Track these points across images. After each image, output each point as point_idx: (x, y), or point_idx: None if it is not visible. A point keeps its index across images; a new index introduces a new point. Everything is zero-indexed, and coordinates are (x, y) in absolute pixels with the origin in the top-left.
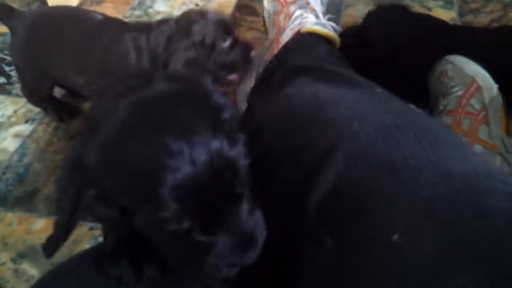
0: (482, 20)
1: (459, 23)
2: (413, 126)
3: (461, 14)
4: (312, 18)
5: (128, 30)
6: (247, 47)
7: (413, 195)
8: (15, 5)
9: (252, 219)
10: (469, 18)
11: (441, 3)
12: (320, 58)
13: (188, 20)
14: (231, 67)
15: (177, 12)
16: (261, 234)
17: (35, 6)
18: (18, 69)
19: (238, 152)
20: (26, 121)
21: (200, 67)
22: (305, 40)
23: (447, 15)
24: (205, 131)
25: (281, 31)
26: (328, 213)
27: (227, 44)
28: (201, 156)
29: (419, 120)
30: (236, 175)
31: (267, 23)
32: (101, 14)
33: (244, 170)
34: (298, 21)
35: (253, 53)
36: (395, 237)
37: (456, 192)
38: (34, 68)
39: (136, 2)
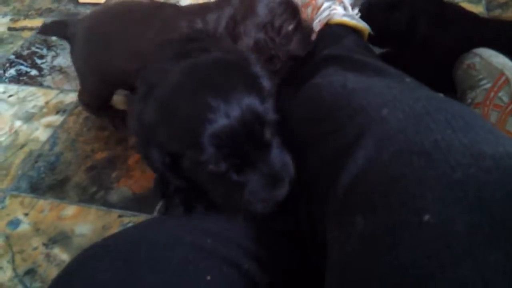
0: (511, 14)
1: (486, 17)
2: (443, 111)
3: (488, 9)
4: (340, 10)
5: (182, 14)
6: (309, 31)
7: (444, 176)
8: (46, 2)
9: (280, 161)
10: (497, 12)
11: None
12: (349, 48)
13: (251, 1)
14: (291, 52)
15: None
16: (288, 174)
17: (65, 1)
18: (80, 76)
19: (266, 108)
20: (57, 112)
21: (267, 49)
22: (333, 32)
23: (475, 9)
24: (239, 92)
25: (309, 23)
26: (358, 194)
27: (291, 27)
28: (235, 111)
29: (449, 105)
30: (263, 126)
31: None
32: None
33: (273, 123)
34: (326, 12)
35: (313, 37)
36: (427, 217)
37: (488, 173)
38: (95, 72)
39: None
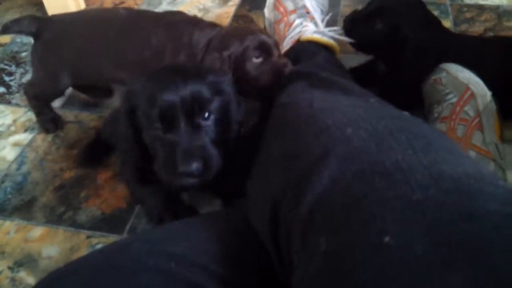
0: (477, 29)
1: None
2: (405, 131)
3: (456, 23)
4: (311, 27)
5: (167, 25)
6: (282, 64)
7: (404, 197)
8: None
9: (199, 144)
10: (464, 27)
11: (436, 12)
12: (318, 66)
13: (229, 32)
14: (258, 82)
15: None
16: (210, 161)
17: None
18: (35, 69)
19: (211, 99)
20: (25, 130)
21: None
22: (304, 48)
23: (443, 24)
24: (188, 80)
25: (281, 39)
26: (321, 214)
27: (258, 60)
28: (181, 91)
29: (412, 125)
30: (203, 110)
31: (268, 32)
32: (130, 9)
33: (214, 113)
34: (298, 29)
35: (286, 71)
36: (387, 238)
37: (447, 194)
38: (57, 68)
39: None
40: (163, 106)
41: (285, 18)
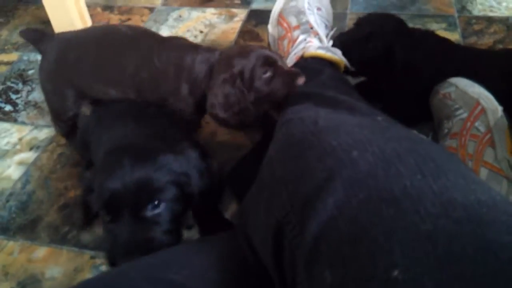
0: (486, 41)
1: (462, 44)
2: (414, 154)
3: (464, 36)
4: (315, 42)
5: (171, 48)
6: (293, 75)
7: (413, 228)
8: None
9: (149, 240)
10: (472, 39)
11: (444, 25)
12: (323, 84)
13: (230, 53)
14: (273, 96)
15: None
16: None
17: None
18: (45, 91)
19: (160, 185)
20: (31, 149)
21: (238, 101)
22: (308, 65)
23: (451, 36)
24: (134, 166)
25: (285, 56)
26: (326, 245)
27: (267, 75)
28: (127, 178)
29: (420, 147)
30: (149, 200)
31: (272, 48)
32: (133, 27)
33: (166, 201)
34: (301, 45)
35: (300, 81)
36: (395, 273)
37: (458, 224)
38: (63, 87)
39: None
40: (105, 196)
41: (289, 34)
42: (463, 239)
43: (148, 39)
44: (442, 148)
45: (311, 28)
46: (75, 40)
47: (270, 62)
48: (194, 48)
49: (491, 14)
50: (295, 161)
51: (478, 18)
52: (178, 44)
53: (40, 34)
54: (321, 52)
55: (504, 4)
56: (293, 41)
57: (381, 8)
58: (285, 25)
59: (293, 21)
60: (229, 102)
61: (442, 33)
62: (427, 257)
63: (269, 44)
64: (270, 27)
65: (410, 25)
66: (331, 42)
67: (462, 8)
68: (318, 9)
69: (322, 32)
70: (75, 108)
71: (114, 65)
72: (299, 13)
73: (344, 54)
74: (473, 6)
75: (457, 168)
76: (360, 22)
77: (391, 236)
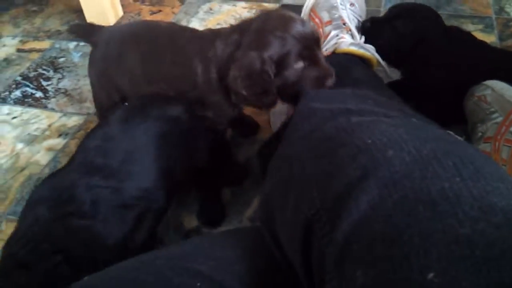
0: None
1: (498, 47)
2: (452, 156)
3: (501, 38)
4: (348, 39)
5: (197, 38)
6: (326, 73)
7: (451, 231)
8: (56, 24)
9: None
10: (510, 42)
11: (480, 26)
12: (354, 80)
13: (267, 26)
14: (298, 87)
15: None
16: None
17: (75, 23)
18: (92, 84)
19: None
20: (60, 135)
21: (263, 81)
22: (340, 61)
23: (487, 38)
24: None
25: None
26: (358, 245)
27: (299, 66)
28: None
29: (459, 149)
30: None
31: None
32: (174, 24)
33: None
34: (333, 41)
35: (329, 81)
36: (431, 275)
37: (498, 229)
38: (107, 82)
39: (174, 21)
40: None
41: (321, 30)
42: (503, 244)
43: (182, 34)
44: (479, 151)
45: (344, 24)
46: (119, 36)
47: (307, 52)
48: (214, 35)
49: None
50: (327, 158)
51: None
52: (205, 34)
53: (89, 27)
54: (354, 49)
55: None
56: (325, 36)
57: None
58: (317, 20)
59: (325, 16)
60: (252, 80)
61: (478, 35)
62: (465, 261)
63: None
64: None
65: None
66: (363, 38)
67: (500, 10)
68: (351, 4)
69: (354, 28)
70: (120, 102)
71: (153, 62)
72: (332, 8)
73: (372, 36)
74: (511, 8)
75: (495, 172)
76: (394, 7)
77: (428, 238)
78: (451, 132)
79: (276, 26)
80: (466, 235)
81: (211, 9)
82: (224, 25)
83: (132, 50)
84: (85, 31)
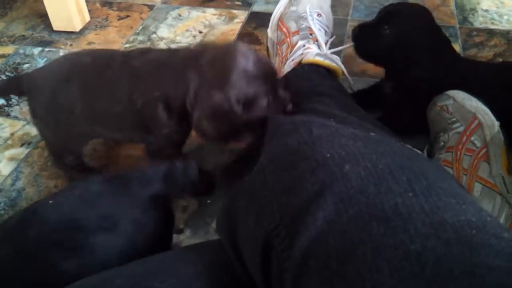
0: (486, 54)
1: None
2: (406, 170)
3: (465, 48)
4: (314, 49)
5: (154, 68)
6: (285, 100)
7: (402, 247)
8: (20, 29)
9: None
10: (473, 51)
11: None
12: (318, 92)
13: (226, 63)
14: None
15: (180, 39)
16: None
17: (40, 29)
18: (43, 136)
19: None
20: (22, 144)
21: (229, 123)
22: (304, 72)
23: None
24: None
25: (283, 61)
26: (314, 261)
27: (265, 102)
28: None
29: (414, 163)
30: None
31: (271, 53)
32: (122, 52)
33: None
34: (300, 51)
35: (289, 107)
36: None
37: (447, 246)
38: (60, 130)
39: (140, 27)
40: None
41: (288, 39)
42: (452, 261)
43: (115, 63)
44: (435, 165)
45: (311, 34)
46: (54, 76)
47: (270, 87)
48: (164, 65)
49: (492, 26)
50: (287, 171)
51: (479, 30)
52: (147, 63)
53: (13, 81)
54: (319, 59)
55: (505, 17)
56: (291, 46)
57: None
58: (284, 30)
59: (293, 26)
60: (220, 121)
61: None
62: (416, 278)
63: (267, 48)
64: (269, 32)
65: None
66: (330, 50)
67: (464, 20)
68: (319, 15)
69: (321, 38)
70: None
71: (90, 100)
72: (299, 18)
73: (360, 41)
74: (474, 18)
75: (449, 186)
76: (382, 9)
77: (380, 254)
78: (409, 146)
79: (238, 62)
80: (417, 251)
81: (180, 15)
82: (193, 32)
83: (72, 88)
84: (10, 84)
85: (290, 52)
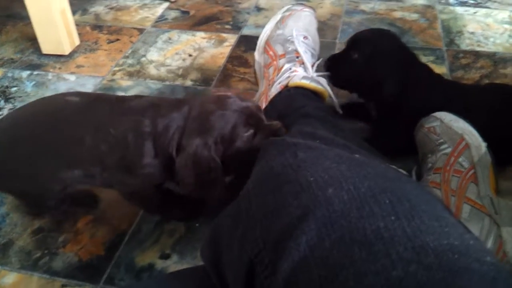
0: (472, 76)
1: (450, 78)
2: (389, 193)
3: (451, 70)
4: (300, 72)
5: (125, 112)
6: (275, 130)
7: (384, 272)
8: (9, 52)
9: None
10: (459, 73)
11: (432, 58)
12: (304, 115)
13: (206, 109)
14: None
15: (169, 62)
16: None
17: (29, 52)
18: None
19: None
20: None
21: (208, 171)
22: (290, 94)
23: (438, 70)
24: None
25: (270, 84)
26: (297, 286)
27: (249, 133)
28: None
29: (397, 185)
30: None
31: (258, 75)
32: (81, 94)
33: None
34: (286, 74)
35: (282, 133)
36: None
37: (429, 271)
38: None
39: (130, 51)
40: None
41: (275, 62)
42: (433, 287)
43: (103, 105)
44: (419, 187)
45: (297, 57)
46: (21, 124)
47: (253, 119)
48: (155, 107)
49: (478, 48)
50: (271, 196)
51: (465, 52)
52: (136, 105)
53: None
54: (305, 82)
55: (491, 39)
56: (278, 69)
57: None
58: (271, 53)
59: (279, 50)
60: (200, 168)
61: (430, 66)
62: None
63: (255, 72)
64: (256, 55)
65: None
66: (317, 73)
67: (450, 42)
68: (305, 37)
69: (308, 61)
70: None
71: (71, 142)
72: (286, 41)
73: (333, 71)
74: (461, 40)
75: (432, 209)
76: (350, 38)
77: (362, 280)
78: (393, 167)
79: (215, 106)
80: (399, 277)
81: (170, 38)
82: (183, 55)
83: (44, 135)
84: None
85: (277, 75)
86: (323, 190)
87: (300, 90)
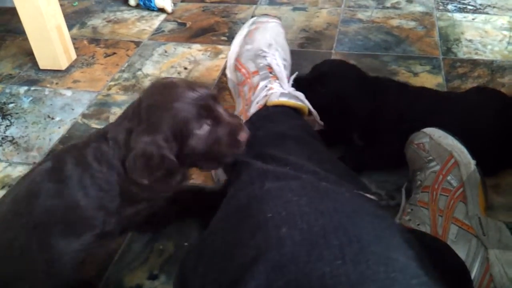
0: (469, 85)
1: (445, 88)
2: (341, 233)
3: (448, 79)
4: (276, 88)
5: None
6: (235, 128)
7: None
8: (8, 68)
9: None
10: (456, 83)
11: (428, 68)
12: (280, 135)
13: (156, 104)
14: (215, 154)
15: (165, 75)
16: None
17: (27, 67)
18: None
19: None
20: (3, 187)
21: (162, 167)
22: (269, 114)
23: (434, 80)
24: None
25: (248, 104)
26: None
27: (204, 130)
28: None
29: (351, 222)
30: None
31: (233, 94)
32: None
33: None
34: (263, 93)
35: (243, 135)
36: None
37: None
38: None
39: (126, 64)
40: None
41: (249, 80)
42: None
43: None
44: (378, 219)
45: (271, 72)
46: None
47: (206, 112)
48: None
49: (476, 57)
50: (233, 232)
51: (462, 61)
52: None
53: None
54: (284, 100)
55: (489, 47)
56: (254, 88)
57: (366, 49)
58: (243, 70)
59: (251, 67)
60: (151, 166)
61: (426, 75)
62: None
63: (229, 89)
64: (228, 72)
65: (394, 66)
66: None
67: (447, 50)
68: (275, 50)
69: (282, 75)
70: None
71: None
72: (256, 56)
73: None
74: (458, 48)
75: (384, 250)
76: (315, 68)
77: None
78: (359, 192)
79: (162, 99)
80: None
81: (166, 51)
82: (178, 68)
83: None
84: None
85: (253, 94)
86: (277, 230)
87: (279, 108)
